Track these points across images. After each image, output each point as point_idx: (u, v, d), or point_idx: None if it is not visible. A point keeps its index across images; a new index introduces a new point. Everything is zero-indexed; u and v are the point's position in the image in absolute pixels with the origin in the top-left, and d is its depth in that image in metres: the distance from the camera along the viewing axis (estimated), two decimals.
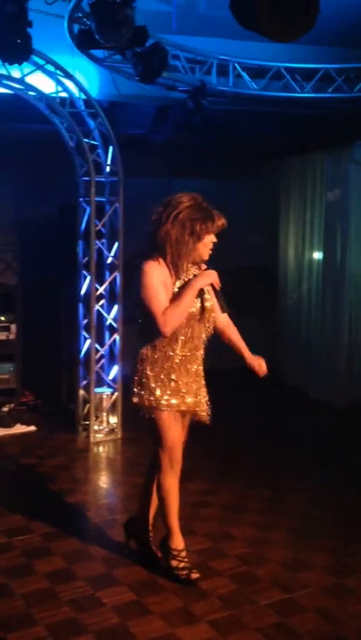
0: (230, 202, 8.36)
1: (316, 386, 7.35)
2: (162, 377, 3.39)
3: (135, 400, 3.44)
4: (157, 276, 3.29)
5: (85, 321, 6.02)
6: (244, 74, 6.11)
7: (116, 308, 6.08)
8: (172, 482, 3.51)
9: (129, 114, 6.13)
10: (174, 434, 3.46)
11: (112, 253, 6.05)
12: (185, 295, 3.30)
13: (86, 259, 5.93)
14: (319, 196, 7.33)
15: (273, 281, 8.05)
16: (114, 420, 6.08)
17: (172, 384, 3.40)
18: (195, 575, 3.51)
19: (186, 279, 3.37)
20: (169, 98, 6.11)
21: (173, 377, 3.40)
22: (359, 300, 7.04)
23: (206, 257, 3.40)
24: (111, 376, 6.13)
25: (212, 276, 3.37)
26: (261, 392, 7.43)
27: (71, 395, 6.57)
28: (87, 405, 6.03)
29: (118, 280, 6.03)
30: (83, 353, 6.06)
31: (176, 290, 3.34)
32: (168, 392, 3.40)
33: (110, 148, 5.89)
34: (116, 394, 6.07)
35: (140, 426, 6.07)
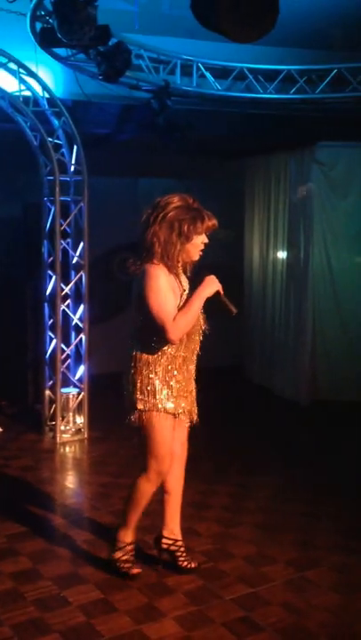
0: (198, 201, 8.45)
1: (280, 383, 7.44)
2: (166, 379, 3.33)
3: (140, 407, 3.32)
4: (165, 281, 3.23)
5: (51, 321, 6.00)
6: (207, 74, 6.16)
7: (82, 307, 6.07)
8: (150, 490, 3.43)
9: (93, 113, 6.12)
10: (165, 439, 3.36)
11: (77, 253, 6.03)
12: (193, 304, 3.25)
13: (51, 258, 5.91)
14: (283, 195, 7.41)
15: (238, 280, 8.12)
16: (80, 420, 6.07)
17: (174, 386, 3.35)
18: (136, 571, 3.52)
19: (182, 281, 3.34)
20: (133, 97, 6.12)
21: (175, 379, 3.35)
22: (323, 299, 7.14)
23: (196, 258, 3.34)
24: (77, 376, 6.12)
25: (216, 283, 3.31)
26: (226, 390, 7.51)
27: (37, 395, 6.53)
28: (53, 406, 6.01)
29: (84, 280, 6.02)
30: (48, 353, 6.04)
31: (186, 292, 3.31)
32: (170, 395, 3.33)
33: (75, 148, 5.88)
34: (82, 394, 6.06)
35: (107, 426, 6.16)
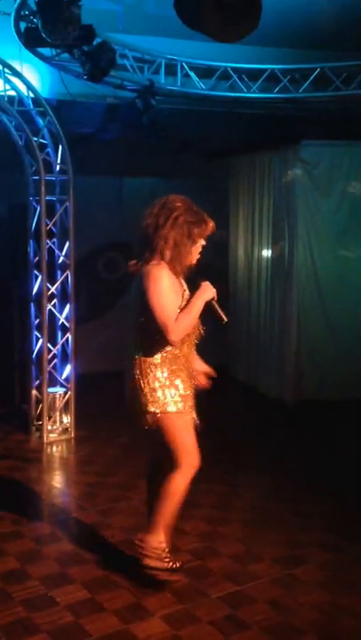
0: None
1: (265, 382, 7.47)
2: (172, 379, 3.33)
3: (152, 409, 3.30)
4: (168, 282, 3.24)
5: (37, 320, 5.99)
6: (192, 73, 6.16)
7: (68, 307, 6.07)
8: (185, 483, 3.40)
9: (78, 112, 6.11)
10: (190, 435, 3.38)
11: (63, 253, 6.02)
12: (194, 306, 3.27)
13: (37, 258, 5.90)
14: (267, 194, 7.43)
15: (223, 279, 8.14)
16: (67, 419, 6.07)
17: (180, 385, 3.35)
18: (176, 577, 3.47)
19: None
20: (118, 97, 6.11)
21: (180, 378, 3.36)
22: (307, 298, 7.17)
23: (195, 261, 3.38)
24: (64, 375, 6.11)
25: (211, 289, 3.34)
26: (212, 388, 7.52)
27: (24, 395, 6.52)
28: (40, 405, 6.00)
29: (70, 279, 6.01)
30: (35, 353, 6.02)
31: (186, 291, 3.34)
32: (177, 396, 3.34)
33: (60, 147, 5.87)
34: (69, 393, 6.06)
35: (94, 425, 6.16)
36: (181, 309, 3.27)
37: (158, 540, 3.42)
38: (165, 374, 3.32)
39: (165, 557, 3.44)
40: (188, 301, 3.31)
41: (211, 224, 3.33)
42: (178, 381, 3.35)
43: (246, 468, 4.49)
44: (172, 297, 3.24)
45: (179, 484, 3.38)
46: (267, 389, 7.42)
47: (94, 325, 8.05)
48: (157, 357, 3.32)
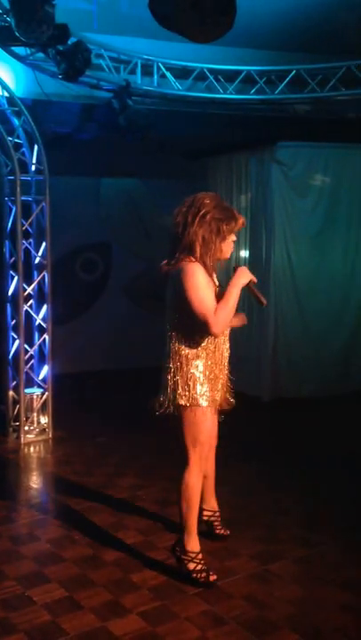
0: (159, 201, 8.49)
1: (243, 379, 7.47)
2: (206, 373, 3.42)
3: (182, 402, 3.38)
4: (203, 277, 3.31)
5: (14, 321, 5.96)
6: (168, 74, 6.19)
7: (44, 307, 6.05)
8: (198, 479, 3.51)
9: (54, 112, 6.10)
10: (209, 429, 3.50)
11: (40, 253, 6.01)
12: (231, 295, 3.34)
13: (13, 259, 5.88)
14: (245, 195, 7.47)
15: None
16: (44, 420, 6.05)
17: (214, 378, 3.45)
18: (213, 577, 3.48)
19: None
20: (94, 97, 6.12)
21: (214, 373, 3.45)
22: (284, 298, 7.22)
23: (228, 255, 3.47)
24: (41, 376, 6.09)
25: (248, 273, 3.43)
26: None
27: (0, 396, 6.48)
28: (17, 406, 5.97)
29: (47, 280, 5.99)
30: (11, 354, 6.00)
31: (218, 288, 3.42)
32: (211, 387, 3.44)
33: (35, 147, 5.86)
34: (46, 394, 6.04)
35: (71, 425, 6.15)
36: (218, 301, 3.34)
37: (191, 545, 3.51)
38: (201, 368, 3.41)
39: (201, 560, 3.52)
40: (224, 291, 3.38)
41: (241, 220, 3.43)
42: (212, 376, 3.45)
43: (222, 465, 4.44)
44: (208, 291, 3.32)
45: (193, 484, 3.49)
46: (244, 388, 7.43)
47: (72, 326, 8.04)
48: (194, 351, 3.40)
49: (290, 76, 6.34)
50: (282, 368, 7.23)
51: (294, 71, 6.33)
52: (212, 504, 3.95)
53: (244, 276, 3.42)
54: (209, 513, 3.95)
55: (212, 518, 3.96)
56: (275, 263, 7.14)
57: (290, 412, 6.78)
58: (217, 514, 3.97)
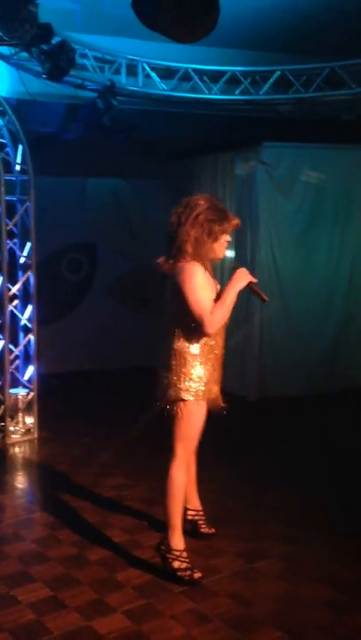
0: (144, 201, 8.50)
1: (229, 380, 7.50)
2: (207, 368, 3.49)
3: (185, 397, 3.46)
4: (203, 278, 3.38)
5: None
6: (153, 74, 6.20)
7: (30, 308, 6.03)
8: (184, 474, 3.56)
9: (38, 112, 6.09)
10: (200, 424, 3.55)
11: (25, 253, 5.99)
12: (228, 296, 3.40)
13: None
14: (229, 195, 7.49)
15: None
16: (30, 420, 6.04)
17: (213, 374, 3.53)
18: (197, 575, 3.50)
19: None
20: (79, 97, 6.11)
21: (213, 367, 3.53)
22: (269, 298, 7.20)
23: (221, 255, 3.53)
24: (27, 377, 6.08)
25: (247, 275, 3.48)
26: None
27: None
28: (2, 406, 5.95)
29: (32, 280, 5.98)
30: None
31: (218, 286, 3.49)
32: (208, 382, 3.51)
33: (20, 147, 5.84)
34: (31, 394, 6.03)
35: (57, 426, 6.14)
36: (215, 301, 3.41)
37: (175, 541, 3.53)
38: (203, 364, 3.48)
39: (185, 558, 3.53)
40: (221, 294, 3.44)
41: (234, 221, 3.48)
42: (210, 373, 3.51)
43: (207, 464, 4.47)
44: (206, 291, 3.39)
45: (177, 478, 3.53)
46: (231, 387, 7.45)
47: (57, 326, 8.03)
48: (195, 347, 3.47)
49: (274, 77, 6.36)
50: (268, 367, 7.26)
51: (279, 72, 6.36)
52: (195, 503, 3.99)
53: (242, 279, 3.48)
54: (193, 512, 3.97)
55: (197, 517, 3.98)
56: (260, 263, 7.17)
57: (276, 412, 6.81)
58: (201, 513, 4.00)
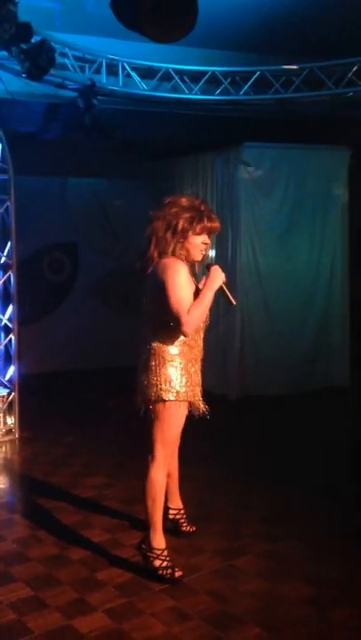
0: (125, 201, 8.51)
1: (211, 379, 7.53)
2: (187, 368, 3.47)
3: (165, 397, 3.44)
4: (185, 276, 3.35)
5: None
6: (133, 74, 6.20)
7: (10, 307, 6.02)
8: (164, 475, 3.55)
9: (18, 111, 6.05)
10: (180, 425, 3.55)
11: (5, 253, 5.97)
12: (205, 297, 3.38)
13: None
14: (210, 195, 7.52)
15: None
16: (11, 420, 6.02)
17: (193, 375, 3.51)
18: (178, 573, 3.51)
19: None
20: (59, 96, 6.09)
21: (194, 368, 3.51)
22: (250, 297, 7.28)
23: (198, 258, 3.48)
24: (7, 376, 6.06)
25: (221, 273, 3.46)
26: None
27: None
28: None
29: (12, 280, 5.96)
30: None
31: (198, 286, 3.45)
32: (189, 383, 3.48)
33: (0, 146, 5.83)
34: (12, 394, 6.01)
35: (38, 426, 6.13)
36: (193, 301, 3.38)
37: (156, 541, 3.52)
38: (183, 364, 3.46)
39: (166, 557, 3.54)
40: (199, 292, 3.42)
41: (213, 224, 3.46)
42: (192, 371, 3.50)
43: (186, 462, 4.51)
44: (187, 290, 3.35)
45: (157, 479, 3.52)
46: (212, 386, 7.48)
47: (39, 326, 8.01)
48: (175, 347, 3.44)
49: (254, 77, 6.39)
50: (249, 366, 7.30)
51: (258, 72, 6.39)
52: (176, 502, 4.00)
53: (218, 277, 3.45)
54: (174, 511, 3.99)
55: (178, 516, 4.00)
56: (241, 263, 7.21)
57: (256, 410, 6.84)
58: (182, 511, 4.01)
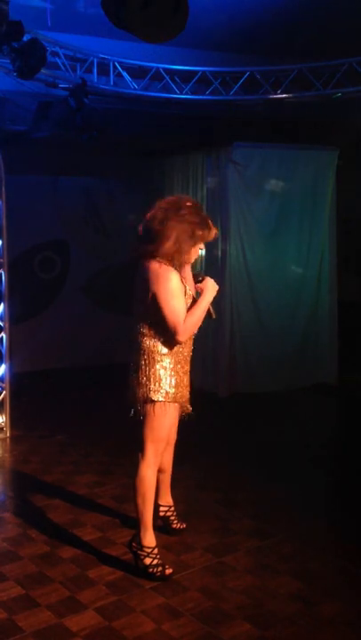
0: (116, 200, 8.51)
1: (201, 376, 7.57)
2: (176, 369, 3.51)
3: (154, 397, 3.47)
4: (178, 284, 3.38)
5: None
6: (124, 73, 6.21)
7: (2, 306, 6.01)
8: (154, 474, 3.59)
9: (9, 110, 6.06)
10: (170, 424, 3.61)
11: None
12: (200, 308, 3.46)
13: None
14: (200, 194, 7.53)
15: None
16: (2, 419, 6.02)
17: (182, 376, 3.55)
18: (169, 571, 3.54)
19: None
20: (50, 95, 6.10)
21: (182, 370, 3.55)
22: (240, 296, 7.31)
23: (192, 261, 3.52)
24: None
25: (215, 284, 3.53)
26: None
27: None
28: None
29: (4, 278, 5.96)
30: None
31: (188, 290, 3.48)
32: (177, 384, 3.51)
33: None
34: (3, 393, 6.01)
35: (29, 424, 6.13)
36: (188, 310, 3.43)
37: (147, 539, 3.55)
38: (172, 365, 3.49)
39: (156, 554, 3.56)
40: (194, 301, 3.47)
41: (214, 231, 3.51)
42: (181, 372, 3.54)
43: (178, 459, 4.56)
44: (181, 298, 3.40)
45: (147, 477, 3.55)
46: (201, 384, 7.52)
47: (30, 324, 8.00)
48: (165, 348, 3.48)
49: (244, 78, 6.41)
50: (238, 364, 7.33)
51: (248, 73, 6.41)
52: (167, 499, 4.02)
53: (213, 289, 3.53)
54: (165, 508, 4.01)
55: (168, 513, 4.02)
56: (230, 261, 7.23)
57: (246, 408, 6.88)
58: (172, 509, 4.04)
